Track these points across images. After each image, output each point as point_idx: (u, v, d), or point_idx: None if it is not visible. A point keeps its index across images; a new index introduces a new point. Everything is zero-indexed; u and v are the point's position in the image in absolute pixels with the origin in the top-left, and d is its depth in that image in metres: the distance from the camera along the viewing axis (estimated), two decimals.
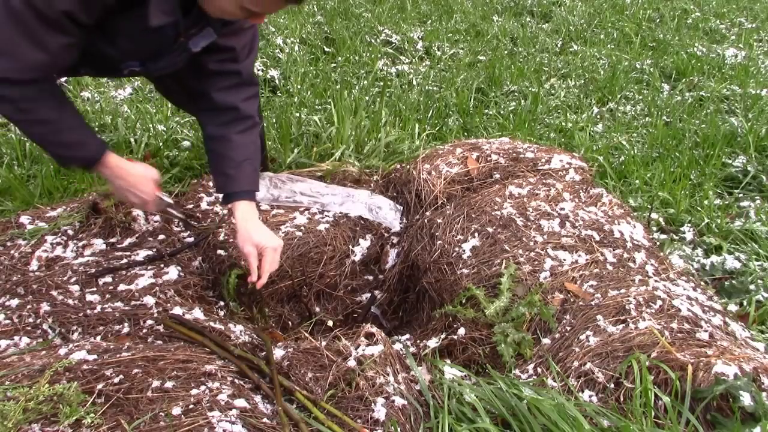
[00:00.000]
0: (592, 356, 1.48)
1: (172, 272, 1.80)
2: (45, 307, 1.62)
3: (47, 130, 1.57)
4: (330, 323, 1.97)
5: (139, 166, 1.75)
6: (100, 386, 1.26)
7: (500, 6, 5.87)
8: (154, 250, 1.90)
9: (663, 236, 2.25)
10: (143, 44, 1.58)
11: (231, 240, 1.98)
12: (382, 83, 3.60)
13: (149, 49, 1.61)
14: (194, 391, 1.29)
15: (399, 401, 1.39)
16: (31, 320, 1.59)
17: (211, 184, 2.25)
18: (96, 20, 1.44)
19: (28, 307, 1.62)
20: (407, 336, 1.81)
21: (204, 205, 2.13)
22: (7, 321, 1.59)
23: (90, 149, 1.64)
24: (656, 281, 1.73)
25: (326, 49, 4.26)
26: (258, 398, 1.37)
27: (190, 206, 2.14)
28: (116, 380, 1.28)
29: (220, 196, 1.83)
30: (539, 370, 1.52)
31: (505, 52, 4.53)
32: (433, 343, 1.69)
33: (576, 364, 1.48)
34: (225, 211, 2.11)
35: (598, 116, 3.52)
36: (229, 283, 1.87)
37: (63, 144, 1.60)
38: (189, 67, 1.73)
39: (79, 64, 1.71)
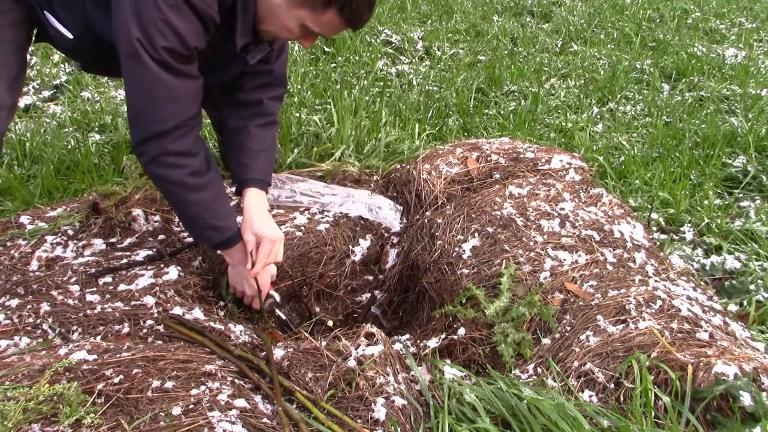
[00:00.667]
0: (592, 356, 1.48)
1: (172, 272, 1.80)
2: (45, 307, 1.62)
3: (211, 196, 1.62)
4: (330, 323, 1.97)
5: None
6: (100, 386, 1.26)
7: (500, 6, 5.87)
8: (154, 250, 1.90)
9: (663, 236, 2.25)
10: (210, 60, 1.63)
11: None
12: (382, 83, 3.60)
13: (214, 64, 1.66)
14: (194, 391, 1.29)
15: (399, 401, 1.39)
16: (31, 320, 1.59)
17: None
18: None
19: (28, 307, 1.62)
20: (407, 336, 1.81)
21: None
22: (7, 321, 1.59)
23: (235, 223, 1.69)
24: (656, 281, 1.73)
25: (326, 49, 4.26)
26: (258, 398, 1.37)
27: None
28: (116, 380, 1.28)
29: (234, 190, 1.85)
30: (539, 370, 1.52)
31: (505, 52, 4.53)
32: (433, 343, 1.69)
33: (576, 364, 1.48)
34: None
35: (598, 116, 3.52)
36: (229, 285, 1.88)
37: (219, 212, 1.65)
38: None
39: None
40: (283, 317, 1.85)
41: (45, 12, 1.67)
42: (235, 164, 1.80)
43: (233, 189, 2.00)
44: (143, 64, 1.42)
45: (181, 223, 1.98)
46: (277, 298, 1.83)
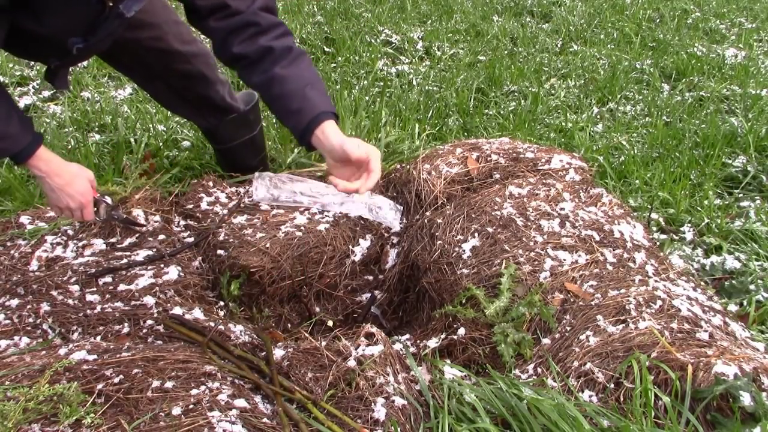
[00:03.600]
0: (592, 356, 1.48)
1: (172, 272, 1.80)
2: (45, 307, 1.62)
3: None
4: (330, 323, 1.97)
5: (74, 165, 1.65)
6: (100, 386, 1.26)
7: (500, 6, 5.86)
8: (154, 250, 1.90)
9: (663, 236, 2.25)
10: (71, 17, 1.48)
11: (231, 240, 1.98)
12: (382, 83, 3.60)
13: (80, 22, 1.51)
14: (194, 391, 1.29)
15: (399, 401, 1.39)
16: (31, 320, 1.59)
17: (211, 184, 2.25)
18: (12, 1, 1.35)
19: (28, 307, 1.62)
20: (407, 336, 1.81)
21: (204, 205, 2.14)
22: (7, 321, 1.59)
23: (20, 140, 1.52)
24: (656, 281, 1.73)
25: (326, 49, 4.26)
26: (258, 398, 1.37)
27: (190, 206, 2.14)
28: (116, 380, 1.28)
29: (301, 145, 1.58)
30: (539, 370, 1.52)
31: (505, 52, 4.53)
32: (433, 343, 1.69)
33: (576, 364, 1.48)
34: (225, 211, 2.11)
35: (598, 116, 3.52)
36: (231, 285, 1.88)
37: None
38: (213, 38, 1.60)
39: (39, 55, 1.66)
40: (124, 216, 1.78)
41: None
42: (288, 116, 1.53)
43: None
44: None
45: None
46: (109, 200, 1.72)
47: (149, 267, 1.81)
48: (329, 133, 1.47)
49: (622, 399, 1.38)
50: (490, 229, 1.92)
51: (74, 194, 1.62)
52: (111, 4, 1.47)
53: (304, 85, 1.52)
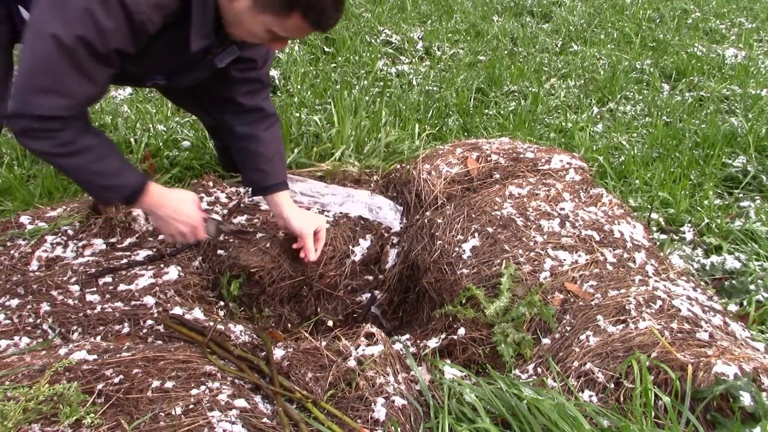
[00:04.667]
0: (592, 356, 1.48)
1: (172, 272, 1.80)
2: (45, 307, 1.62)
3: (88, 160, 1.53)
4: (330, 323, 1.97)
5: (175, 191, 1.72)
6: (100, 386, 1.26)
7: (500, 6, 5.86)
8: (154, 250, 1.90)
9: (663, 236, 2.25)
10: (172, 62, 1.61)
11: (231, 240, 1.98)
12: (382, 83, 3.60)
13: (177, 67, 1.65)
14: (194, 391, 1.29)
15: (399, 401, 1.39)
16: (31, 320, 1.59)
17: (211, 184, 2.25)
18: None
19: (28, 307, 1.62)
20: (407, 336, 1.81)
21: (204, 205, 2.14)
22: (7, 321, 1.59)
23: (132, 177, 1.61)
24: (656, 281, 1.73)
25: (326, 49, 4.26)
26: (258, 398, 1.37)
27: None
28: (116, 380, 1.28)
29: (250, 190, 1.93)
30: (539, 370, 1.52)
31: (505, 52, 4.53)
32: (433, 343, 1.69)
33: (576, 364, 1.48)
34: (225, 211, 2.11)
35: (598, 116, 3.52)
36: (231, 285, 1.88)
37: (105, 173, 1.56)
38: (215, 76, 1.78)
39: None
40: (234, 229, 1.93)
41: (19, 7, 1.61)
42: (254, 171, 1.87)
43: (245, 190, 2.07)
44: (46, 42, 1.32)
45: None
46: (217, 217, 1.86)
47: (149, 267, 1.81)
48: (282, 202, 1.88)
49: (622, 399, 1.38)
50: (490, 229, 1.92)
51: (185, 220, 1.70)
52: (209, 57, 1.62)
53: (276, 152, 1.89)
